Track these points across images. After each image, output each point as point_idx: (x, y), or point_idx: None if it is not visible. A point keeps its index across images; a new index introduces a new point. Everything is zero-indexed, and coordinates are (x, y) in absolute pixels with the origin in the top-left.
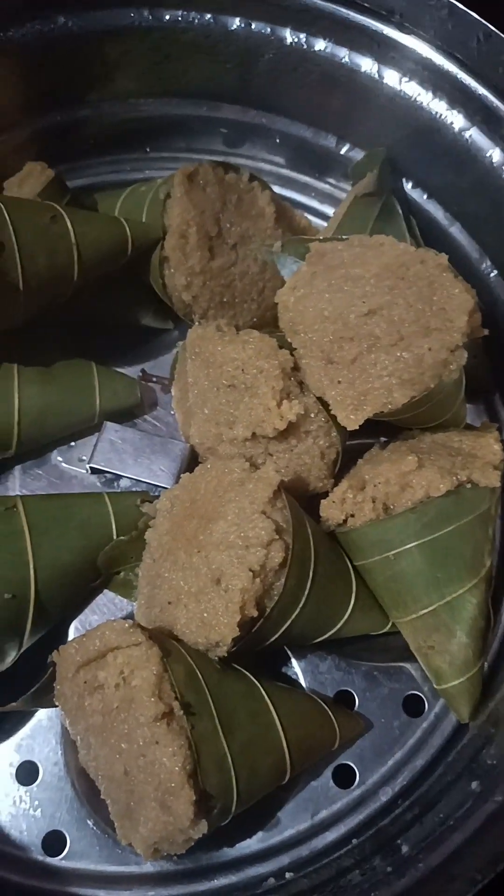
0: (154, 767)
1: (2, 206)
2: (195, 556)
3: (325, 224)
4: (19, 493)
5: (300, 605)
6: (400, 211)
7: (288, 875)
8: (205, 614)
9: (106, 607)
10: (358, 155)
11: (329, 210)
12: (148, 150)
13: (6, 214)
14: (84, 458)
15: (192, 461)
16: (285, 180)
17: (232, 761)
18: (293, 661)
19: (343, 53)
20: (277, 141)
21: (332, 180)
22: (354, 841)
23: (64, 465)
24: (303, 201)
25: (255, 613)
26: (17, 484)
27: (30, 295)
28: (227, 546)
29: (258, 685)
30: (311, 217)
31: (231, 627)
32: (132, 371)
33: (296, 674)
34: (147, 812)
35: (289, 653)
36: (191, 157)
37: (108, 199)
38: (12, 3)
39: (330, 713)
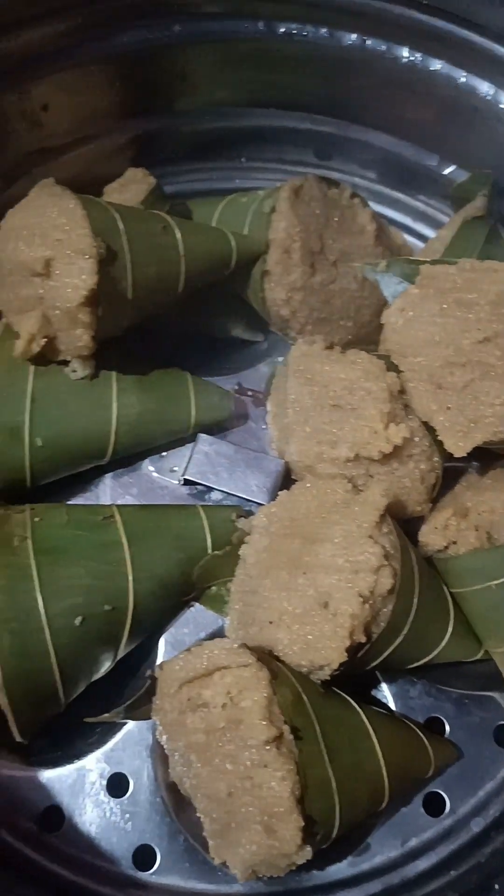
0: (261, 791)
1: (116, 215)
2: (300, 578)
3: (417, 241)
4: (111, 502)
5: (404, 632)
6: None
7: None
8: (309, 637)
9: (194, 622)
10: (460, 175)
11: (422, 228)
12: (243, 159)
13: (119, 223)
14: (175, 468)
15: (285, 478)
16: (375, 195)
17: (335, 787)
18: (383, 684)
19: (460, 75)
20: (377, 157)
21: (423, 197)
22: (453, 873)
23: (155, 474)
24: (394, 217)
25: (364, 639)
26: (109, 492)
27: (137, 304)
28: (336, 570)
29: (358, 710)
30: (404, 235)
31: (339, 652)
32: (221, 381)
33: (385, 697)
34: (250, 834)
35: (379, 676)
36: (281, 168)
37: (204, 206)
38: (131, 10)
39: (425, 740)
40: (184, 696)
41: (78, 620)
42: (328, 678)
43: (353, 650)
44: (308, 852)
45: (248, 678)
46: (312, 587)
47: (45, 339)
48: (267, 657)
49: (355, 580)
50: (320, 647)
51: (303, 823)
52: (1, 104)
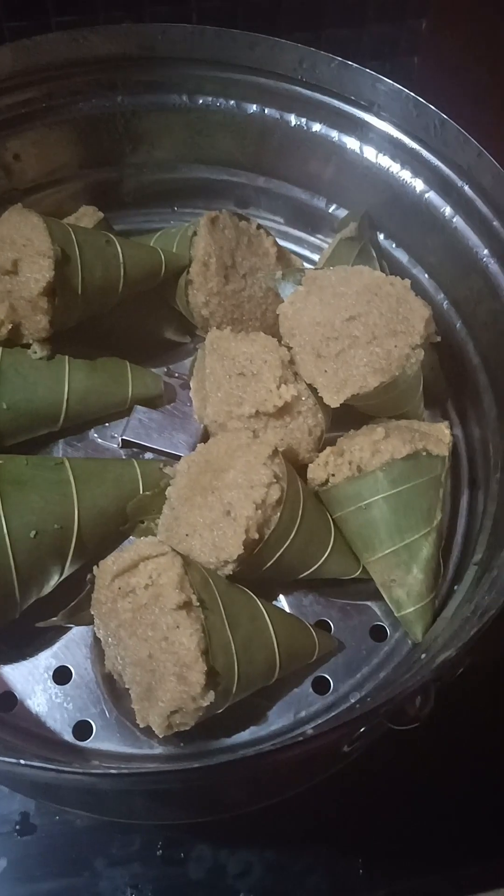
0: (174, 647)
1: (70, 230)
2: (210, 497)
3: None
4: None
5: (291, 537)
6: (374, 255)
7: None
8: (216, 540)
9: None
10: (342, 213)
11: (317, 257)
12: (175, 207)
13: (72, 235)
14: (115, 435)
15: (204, 438)
16: (284, 235)
17: (234, 649)
18: (281, 596)
19: (334, 134)
20: (280, 203)
21: (320, 235)
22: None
23: (99, 440)
24: (297, 251)
25: (256, 536)
26: (60, 454)
27: (85, 300)
28: (237, 487)
29: (256, 598)
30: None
31: (237, 546)
32: (157, 370)
33: (283, 605)
34: (166, 685)
35: (277, 590)
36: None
37: (143, 238)
38: (86, 84)
39: (310, 628)
40: (115, 586)
41: (32, 533)
42: (231, 573)
43: (249, 546)
44: (211, 696)
45: (165, 562)
46: (219, 502)
47: (12, 325)
48: (182, 554)
49: (251, 492)
50: (223, 545)
51: (206, 668)
52: None
